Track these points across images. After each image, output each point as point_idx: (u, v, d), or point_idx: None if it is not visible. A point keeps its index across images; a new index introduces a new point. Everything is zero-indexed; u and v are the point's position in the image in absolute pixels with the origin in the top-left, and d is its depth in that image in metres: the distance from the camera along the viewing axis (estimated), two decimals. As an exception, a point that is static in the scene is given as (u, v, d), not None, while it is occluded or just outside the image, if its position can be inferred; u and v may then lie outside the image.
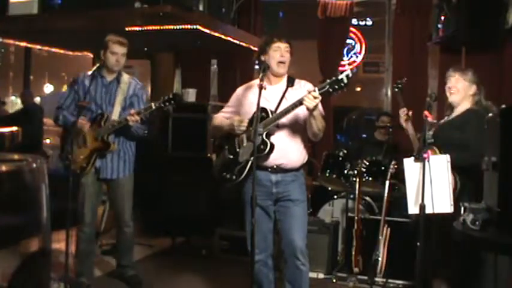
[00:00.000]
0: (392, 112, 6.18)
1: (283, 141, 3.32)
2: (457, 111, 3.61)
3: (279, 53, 3.31)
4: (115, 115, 3.96)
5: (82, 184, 3.96)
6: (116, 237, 4.30)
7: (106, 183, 4.09)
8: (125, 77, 4.06)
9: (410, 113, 3.79)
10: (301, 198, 3.40)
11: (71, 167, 3.83)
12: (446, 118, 3.67)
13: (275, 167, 3.33)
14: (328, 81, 3.00)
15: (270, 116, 3.22)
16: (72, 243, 3.73)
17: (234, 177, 3.37)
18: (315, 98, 3.00)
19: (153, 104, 3.82)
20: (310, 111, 3.09)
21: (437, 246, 3.45)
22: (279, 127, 3.29)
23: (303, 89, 3.18)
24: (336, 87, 2.96)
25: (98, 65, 3.92)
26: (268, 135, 3.25)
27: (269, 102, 3.27)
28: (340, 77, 2.94)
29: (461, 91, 3.55)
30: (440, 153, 3.29)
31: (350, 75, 2.94)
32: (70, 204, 3.63)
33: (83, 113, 3.90)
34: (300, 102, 3.07)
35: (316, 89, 3.03)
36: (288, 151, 3.33)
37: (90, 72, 3.99)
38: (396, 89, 4.09)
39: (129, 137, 4.07)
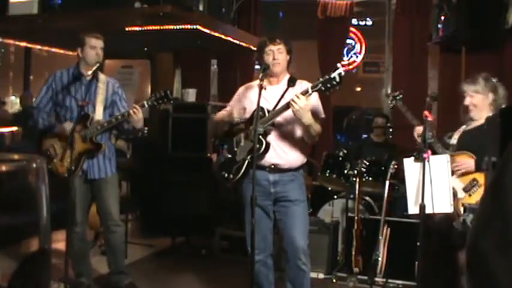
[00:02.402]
0: (392, 113, 6.17)
1: (280, 142, 3.32)
2: (480, 121, 3.55)
3: (271, 56, 3.32)
4: (98, 115, 3.89)
5: (71, 187, 3.82)
6: (106, 240, 4.15)
7: (93, 184, 3.99)
8: (102, 76, 4.00)
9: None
10: (301, 198, 3.40)
11: (58, 170, 3.81)
12: (464, 126, 3.63)
13: (272, 166, 3.33)
14: (321, 79, 3.02)
15: (267, 114, 3.23)
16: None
17: (231, 176, 3.37)
18: (300, 99, 3.01)
19: (145, 102, 3.77)
20: (297, 116, 3.09)
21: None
22: (276, 127, 3.29)
23: (304, 89, 3.18)
24: (329, 85, 2.98)
25: (97, 65, 3.86)
26: (265, 135, 3.25)
27: (268, 102, 3.27)
28: (332, 75, 2.96)
29: (478, 106, 3.53)
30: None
31: (342, 73, 2.95)
32: (70, 204, 3.64)
33: (61, 112, 3.89)
34: (287, 106, 3.09)
35: (309, 87, 3.04)
36: (285, 151, 3.33)
37: (74, 71, 3.93)
38: (394, 102, 3.90)
39: (110, 135, 4.05)
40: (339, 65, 2.98)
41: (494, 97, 3.53)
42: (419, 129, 3.56)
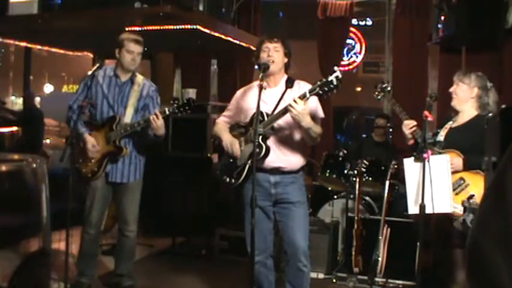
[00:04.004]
0: (391, 113, 6.18)
1: (281, 144, 3.31)
2: (464, 117, 3.55)
3: (266, 53, 3.30)
4: (127, 118, 3.83)
5: (92, 187, 3.84)
6: (118, 242, 4.16)
7: (114, 187, 3.95)
8: (139, 78, 3.94)
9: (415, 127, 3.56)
10: (302, 200, 3.39)
11: (83, 171, 3.81)
12: (451, 122, 3.63)
13: (273, 169, 3.33)
14: (318, 83, 3.00)
15: (266, 118, 3.21)
16: (73, 244, 3.70)
17: (233, 180, 3.37)
18: (297, 104, 3.00)
19: (167, 109, 3.68)
20: (296, 120, 3.09)
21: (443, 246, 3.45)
22: (276, 130, 3.28)
23: (302, 90, 3.16)
24: (326, 89, 2.96)
25: (99, 64, 3.83)
26: (265, 139, 3.24)
27: (267, 105, 3.24)
28: (329, 78, 2.94)
29: (459, 95, 3.53)
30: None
31: (340, 76, 2.93)
32: (70, 204, 3.63)
33: (87, 112, 3.86)
34: (286, 110, 3.08)
35: (307, 91, 3.03)
36: (286, 154, 3.32)
37: (110, 71, 3.87)
38: (382, 94, 3.97)
39: (141, 141, 3.94)
40: (336, 67, 2.96)
41: (480, 93, 3.51)
42: (407, 124, 3.56)
